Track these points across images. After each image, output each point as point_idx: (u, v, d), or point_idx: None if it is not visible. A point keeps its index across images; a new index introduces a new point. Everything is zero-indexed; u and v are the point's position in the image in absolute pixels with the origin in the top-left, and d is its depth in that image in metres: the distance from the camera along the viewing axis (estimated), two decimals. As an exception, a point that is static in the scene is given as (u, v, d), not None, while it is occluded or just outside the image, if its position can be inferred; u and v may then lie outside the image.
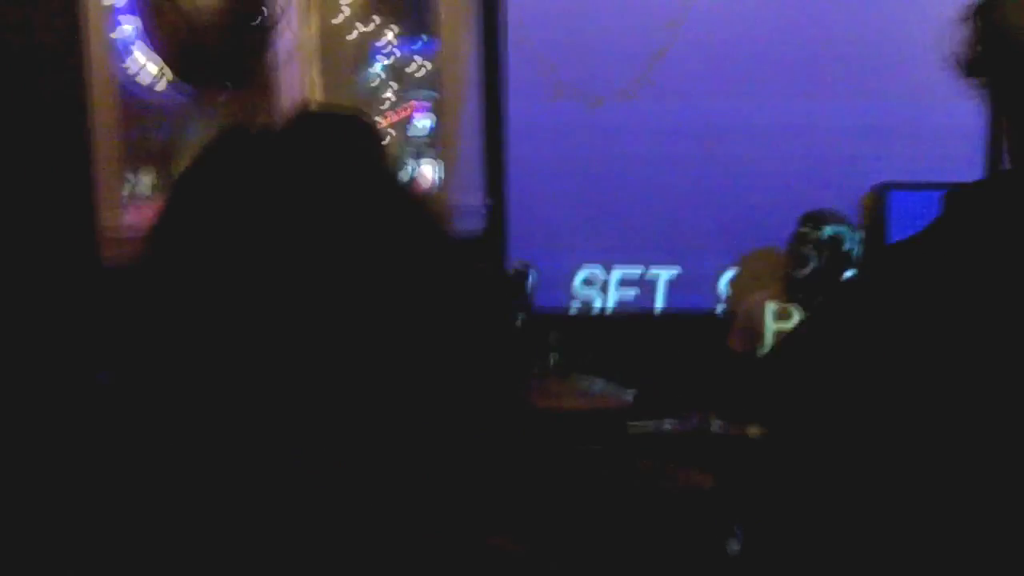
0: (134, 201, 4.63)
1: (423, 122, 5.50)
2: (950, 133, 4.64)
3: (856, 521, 1.05)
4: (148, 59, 4.47)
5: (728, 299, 4.98)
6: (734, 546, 3.26)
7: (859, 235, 4.49)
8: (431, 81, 5.48)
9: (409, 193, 0.93)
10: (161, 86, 4.49)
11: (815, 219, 4.45)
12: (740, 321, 4.56)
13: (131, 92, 4.47)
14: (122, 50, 4.41)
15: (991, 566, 0.99)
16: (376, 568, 0.83)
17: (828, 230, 4.42)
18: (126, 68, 4.42)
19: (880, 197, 4.76)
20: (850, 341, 1.07)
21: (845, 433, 1.06)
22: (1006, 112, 1.11)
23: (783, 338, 1.27)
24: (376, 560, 0.83)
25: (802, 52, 4.99)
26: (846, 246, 4.42)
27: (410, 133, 5.60)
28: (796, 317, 4.27)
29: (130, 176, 4.52)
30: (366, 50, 5.59)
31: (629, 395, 3.79)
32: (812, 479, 1.10)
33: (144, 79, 4.49)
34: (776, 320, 4.38)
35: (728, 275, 5.04)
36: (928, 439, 1.00)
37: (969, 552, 1.00)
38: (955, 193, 1.08)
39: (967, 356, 0.98)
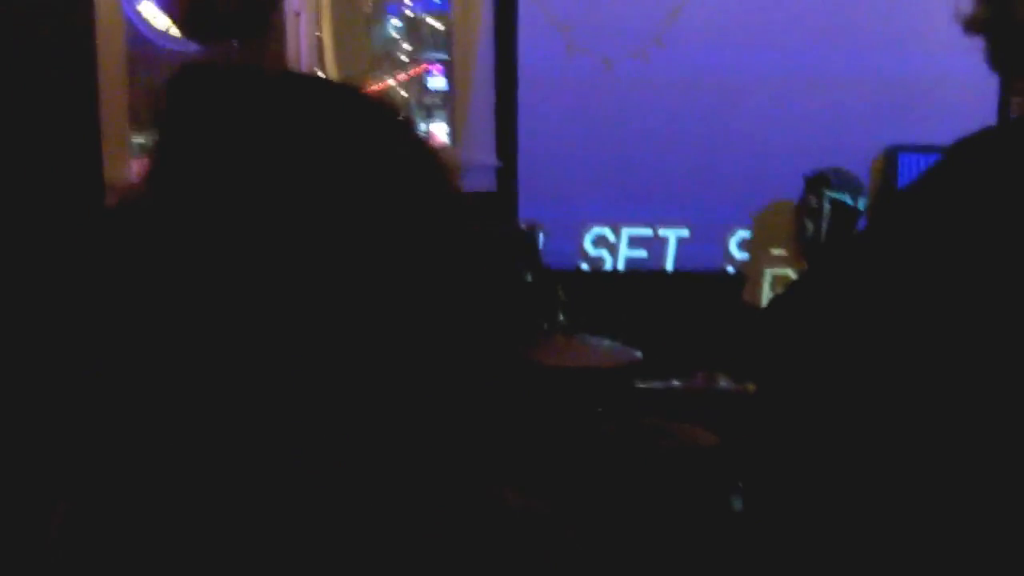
0: (141, 155, 4.62)
1: (437, 81, 5.48)
2: (967, 85, 4.59)
3: (852, 474, 1.05)
4: (156, 13, 4.46)
5: (744, 258, 4.96)
6: (738, 503, 3.27)
7: (864, 197, 4.46)
8: (444, 41, 5.45)
9: (415, 146, 0.91)
10: (169, 39, 4.47)
11: (816, 184, 4.41)
12: (751, 276, 4.53)
13: (138, 46, 4.45)
14: (129, 4, 4.39)
15: (983, 515, 0.99)
16: (390, 532, 0.82)
17: (829, 197, 4.37)
18: (137, 16, 4.42)
19: (890, 160, 4.74)
20: (843, 294, 1.07)
21: (838, 387, 1.05)
22: (1010, 72, 1.12)
23: (778, 295, 1.27)
24: (388, 522, 0.82)
25: (816, 7, 4.96)
26: (850, 209, 4.38)
27: (424, 92, 5.58)
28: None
29: (137, 130, 4.51)
30: (380, 8, 5.56)
31: (636, 354, 3.78)
32: (806, 432, 1.10)
33: (152, 33, 4.47)
34: (773, 287, 4.37)
35: (740, 234, 5.02)
36: (922, 392, 1.00)
37: (961, 506, 1.00)
38: (954, 145, 1.09)
39: (961, 305, 0.98)
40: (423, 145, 0.92)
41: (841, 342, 1.07)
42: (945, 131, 1.09)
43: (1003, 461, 0.98)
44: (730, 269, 5.07)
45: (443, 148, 5.15)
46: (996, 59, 1.10)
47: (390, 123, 0.90)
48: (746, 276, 4.63)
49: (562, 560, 0.88)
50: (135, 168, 4.34)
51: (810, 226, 4.36)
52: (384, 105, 0.92)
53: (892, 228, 1.08)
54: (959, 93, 4.64)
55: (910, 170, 4.65)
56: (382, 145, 0.87)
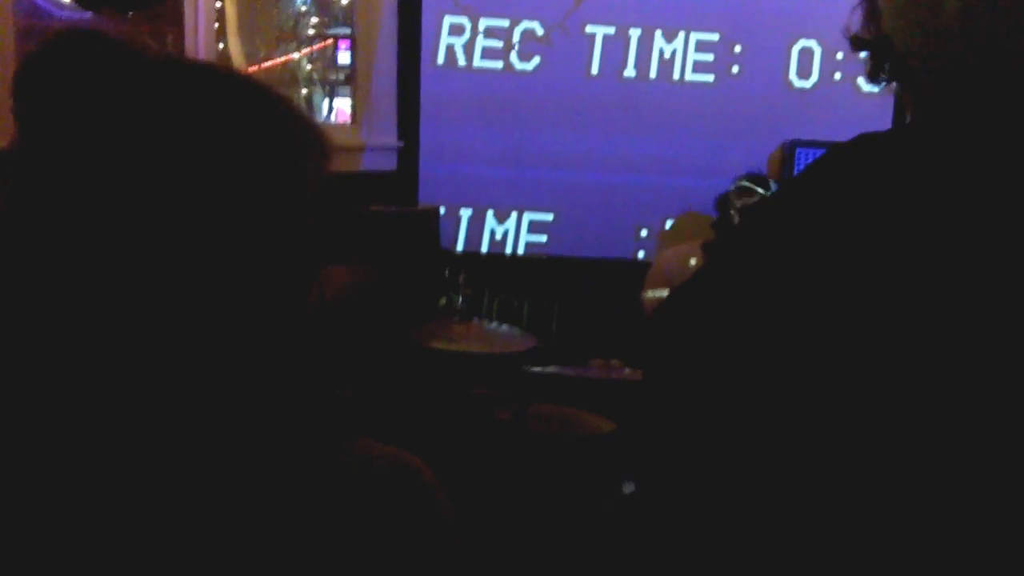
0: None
1: (346, 57, 5.40)
2: (859, 100, 4.74)
3: (741, 455, 1.06)
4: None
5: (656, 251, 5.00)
6: (628, 487, 3.30)
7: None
8: (351, 17, 5.39)
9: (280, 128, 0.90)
10: (61, 7, 4.36)
11: (753, 181, 4.41)
12: (655, 272, 4.54)
13: (30, 16, 4.34)
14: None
15: (875, 505, 1.00)
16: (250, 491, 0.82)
17: (763, 192, 4.38)
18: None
19: (787, 154, 4.83)
20: (735, 284, 1.08)
21: (730, 372, 1.07)
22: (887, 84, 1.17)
23: (677, 286, 1.28)
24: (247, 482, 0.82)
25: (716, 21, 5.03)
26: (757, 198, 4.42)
27: (332, 67, 5.50)
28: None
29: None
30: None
31: (531, 340, 3.79)
32: (698, 419, 1.11)
33: (44, 2, 4.36)
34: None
35: (640, 221, 5.07)
36: (806, 380, 1.01)
37: (855, 493, 1.02)
38: (842, 143, 1.12)
39: (837, 292, 1.00)
40: (291, 126, 0.90)
41: (728, 331, 1.08)
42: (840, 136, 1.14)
43: (884, 448, 1.00)
44: (640, 255, 5.10)
45: (341, 128, 5.10)
46: (874, 74, 1.16)
47: (257, 106, 0.89)
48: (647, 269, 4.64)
49: (420, 501, 0.89)
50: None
51: (732, 219, 4.37)
52: (257, 87, 0.90)
53: (769, 220, 1.11)
54: (852, 104, 4.79)
55: (807, 163, 4.74)
56: (241, 130, 0.86)
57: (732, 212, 4.32)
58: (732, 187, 4.40)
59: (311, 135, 0.90)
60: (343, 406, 0.87)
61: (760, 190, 4.33)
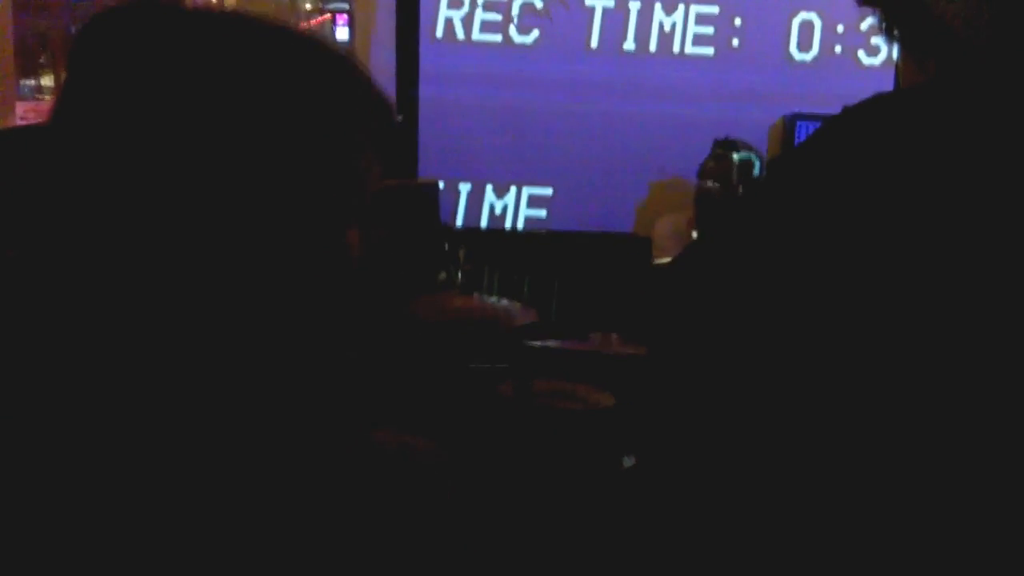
0: (32, 100, 4.50)
1: (343, 32, 5.38)
2: (860, 73, 4.72)
3: (744, 435, 1.06)
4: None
5: (636, 225, 5.00)
6: (628, 461, 3.30)
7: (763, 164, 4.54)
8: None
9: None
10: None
11: (724, 146, 4.48)
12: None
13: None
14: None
15: (875, 485, 1.00)
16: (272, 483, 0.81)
17: (737, 156, 4.45)
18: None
19: (788, 127, 4.82)
20: (738, 254, 1.07)
21: (734, 346, 1.06)
22: (901, 44, 1.15)
23: (676, 256, 1.27)
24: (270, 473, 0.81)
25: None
26: (756, 172, 4.45)
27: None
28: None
29: (27, 76, 4.40)
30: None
31: (532, 314, 3.79)
32: (701, 392, 1.10)
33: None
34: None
35: (640, 199, 5.06)
36: (813, 357, 1.01)
37: (858, 477, 1.01)
38: (845, 109, 1.10)
39: (848, 266, 0.99)
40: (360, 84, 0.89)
41: (735, 304, 1.07)
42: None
43: (894, 431, 0.99)
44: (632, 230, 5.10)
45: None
46: (890, 31, 1.13)
47: (323, 67, 0.88)
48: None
49: (439, 485, 0.89)
50: (20, 111, 4.23)
51: (714, 187, 4.40)
52: (317, 45, 0.89)
53: (780, 189, 1.09)
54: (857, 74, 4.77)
55: (807, 135, 4.73)
56: (306, 92, 0.85)
57: (709, 182, 4.38)
58: (707, 156, 4.46)
59: (373, 98, 0.89)
60: (356, 381, 0.86)
61: (735, 155, 4.39)
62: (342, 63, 0.88)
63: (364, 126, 0.89)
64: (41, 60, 4.65)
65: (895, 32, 1.13)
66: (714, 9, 4.97)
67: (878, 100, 1.05)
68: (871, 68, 4.88)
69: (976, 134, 0.98)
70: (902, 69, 1.17)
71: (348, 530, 0.82)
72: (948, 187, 0.96)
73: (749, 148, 4.50)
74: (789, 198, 1.05)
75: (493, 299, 3.99)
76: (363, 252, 0.91)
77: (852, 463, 0.98)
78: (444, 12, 5.02)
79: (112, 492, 0.78)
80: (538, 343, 3.75)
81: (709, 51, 5.00)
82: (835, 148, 1.04)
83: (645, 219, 4.93)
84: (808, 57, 4.95)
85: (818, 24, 4.92)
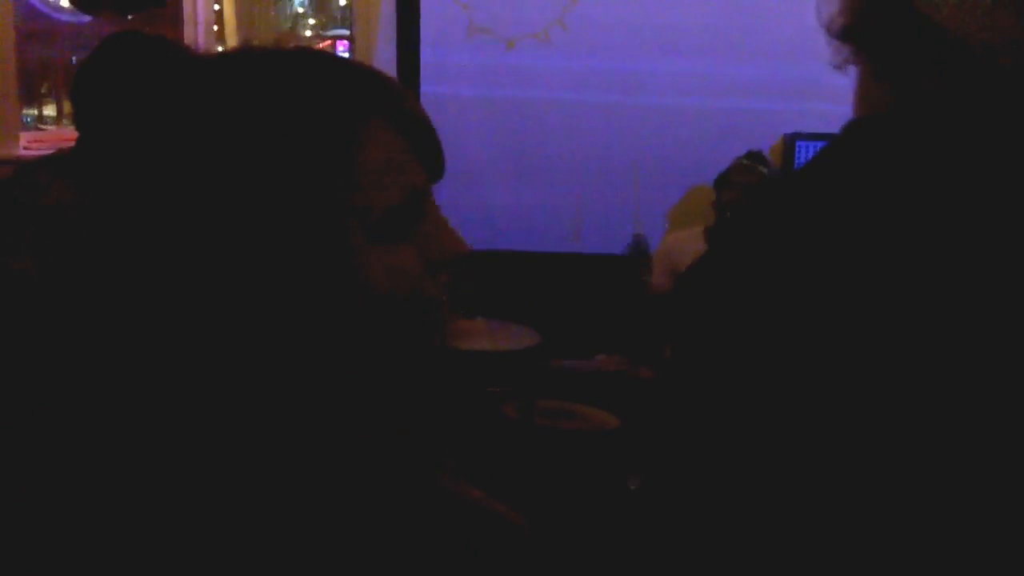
0: (34, 129, 4.52)
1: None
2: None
3: (751, 454, 1.06)
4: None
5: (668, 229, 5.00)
6: (634, 483, 3.30)
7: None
8: (351, 17, 5.40)
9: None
10: (61, 11, 4.38)
11: (752, 158, 4.38)
12: (659, 259, 4.53)
13: (30, 19, 4.35)
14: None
15: (883, 498, 1.00)
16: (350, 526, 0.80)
17: (765, 173, 4.35)
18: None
19: (788, 146, 4.83)
20: (739, 275, 1.07)
21: (739, 367, 1.06)
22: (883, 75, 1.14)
23: (681, 274, 1.26)
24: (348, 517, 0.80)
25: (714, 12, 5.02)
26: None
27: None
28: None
29: (29, 105, 4.43)
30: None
31: (535, 335, 3.79)
32: (707, 413, 1.10)
33: (44, 5, 4.37)
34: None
35: (640, 216, 5.07)
36: (818, 374, 1.01)
37: (861, 488, 1.01)
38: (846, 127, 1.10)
39: (852, 283, 0.99)
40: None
41: (730, 325, 1.07)
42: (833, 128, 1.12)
43: (899, 447, 0.99)
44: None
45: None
46: (869, 46, 1.13)
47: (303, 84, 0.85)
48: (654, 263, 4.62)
49: (514, 546, 0.89)
50: (24, 141, 4.25)
51: (731, 198, 4.32)
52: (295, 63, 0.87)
53: (780, 209, 1.09)
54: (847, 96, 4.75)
55: (807, 155, 4.74)
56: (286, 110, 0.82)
57: (732, 192, 4.30)
58: (732, 165, 4.39)
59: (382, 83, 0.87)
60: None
61: (762, 168, 4.33)
62: (340, 61, 0.87)
63: (373, 117, 0.85)
64: (43, 90, 4.67)
65: (875, 48, 1.12)
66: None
67: (887, 121, 1.05)
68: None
69: (1004, 154, 0.98)
70: (867, 89, 1.16)
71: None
72: (970, 215, 0.96)
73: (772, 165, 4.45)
74: (795, 218, 1.05)
75: (496, 321, 3.99)
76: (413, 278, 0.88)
77: (856, 478, 0.98)
78: (444, 38, 5.05)
79: (115, 499, 0.78)
80: (543, 364, 3.76)
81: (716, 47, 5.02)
82: (843, 171, 1.04)
83: (676, 223, 4.95)
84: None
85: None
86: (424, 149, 0.89)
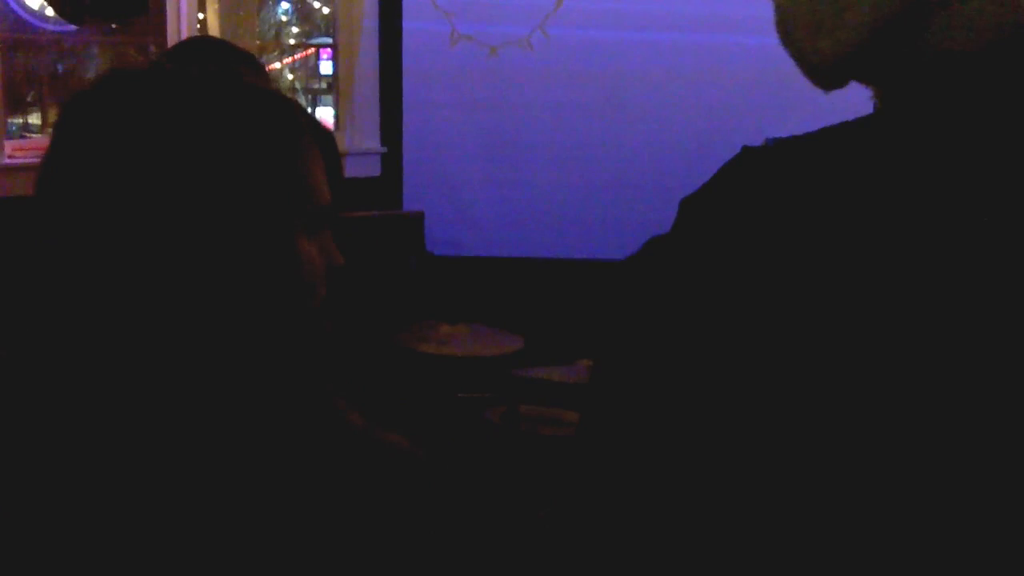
0: (19, 138, 4.53)
1: (327, 66, 5.44)
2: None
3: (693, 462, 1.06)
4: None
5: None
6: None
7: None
8: (334, 25, 5.42)
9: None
10: (44, 20, 4.38)
11: None
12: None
13: (14, 28, 4.36)
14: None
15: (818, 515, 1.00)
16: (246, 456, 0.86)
17: None
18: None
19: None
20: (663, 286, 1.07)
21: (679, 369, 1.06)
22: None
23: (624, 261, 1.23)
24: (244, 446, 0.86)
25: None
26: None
27: (314, 76, 5.54)
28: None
29: (12, 112, 4.44)
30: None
31: (517, 342, 3.82)
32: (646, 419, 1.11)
33: (28, 14, 4.38)
34: None
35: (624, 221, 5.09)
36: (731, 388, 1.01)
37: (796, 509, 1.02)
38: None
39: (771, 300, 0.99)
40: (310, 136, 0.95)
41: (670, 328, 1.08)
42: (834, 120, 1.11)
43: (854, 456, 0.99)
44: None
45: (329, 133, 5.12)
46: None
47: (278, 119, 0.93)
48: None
49: (409, 475, 0.93)
50: (9, 149, 4.25)
51: None
52: (274, 99, 0.95)
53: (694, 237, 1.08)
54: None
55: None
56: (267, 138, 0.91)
57: None
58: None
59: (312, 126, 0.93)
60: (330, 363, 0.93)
61: None
62: (285, 103, 0.95)
63: (305, 145, 0.95)
64: (28, 98, 4.68)
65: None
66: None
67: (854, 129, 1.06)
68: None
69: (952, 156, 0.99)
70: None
71: (316, 506, 0.86)
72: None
73: None
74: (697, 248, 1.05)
75: (479, 327, 4.02)
76: (326, 263, 0.95)
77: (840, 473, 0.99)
78: (421, 47, 5.08)
79: (90, 492, 0.82)
80: (526, 370, 3.78)
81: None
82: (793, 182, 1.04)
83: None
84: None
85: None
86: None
